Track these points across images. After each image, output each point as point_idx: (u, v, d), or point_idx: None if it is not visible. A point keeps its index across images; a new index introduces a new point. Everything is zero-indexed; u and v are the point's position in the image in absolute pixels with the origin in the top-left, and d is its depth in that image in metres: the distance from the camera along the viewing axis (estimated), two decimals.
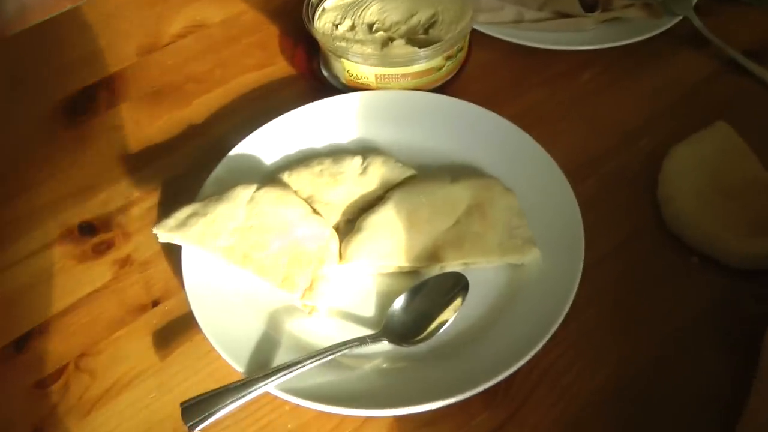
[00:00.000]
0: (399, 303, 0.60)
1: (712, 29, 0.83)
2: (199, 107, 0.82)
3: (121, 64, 0.88)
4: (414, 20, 0.84)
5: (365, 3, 0.86)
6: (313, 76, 0.83)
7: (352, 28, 0.83)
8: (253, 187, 0.68)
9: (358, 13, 0.85)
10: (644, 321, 0.61)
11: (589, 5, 0.90)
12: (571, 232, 0.63)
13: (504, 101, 0.78)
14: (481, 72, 0.84)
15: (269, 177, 0.69)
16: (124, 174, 0.76)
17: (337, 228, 0.66)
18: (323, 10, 0.85)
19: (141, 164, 0.77)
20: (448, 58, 0.81)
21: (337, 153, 0.70)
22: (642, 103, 0.80)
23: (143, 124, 0.81)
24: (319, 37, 0.79)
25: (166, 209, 0.71)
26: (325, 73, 0.83)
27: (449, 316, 0.61)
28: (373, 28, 0.83)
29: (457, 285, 0.61)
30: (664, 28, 0.83)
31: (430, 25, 0.83)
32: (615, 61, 0.84)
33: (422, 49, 0.75)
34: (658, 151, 0.72)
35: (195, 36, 0.92)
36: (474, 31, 0.82)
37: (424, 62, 0.78)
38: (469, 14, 0.81)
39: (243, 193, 0.67)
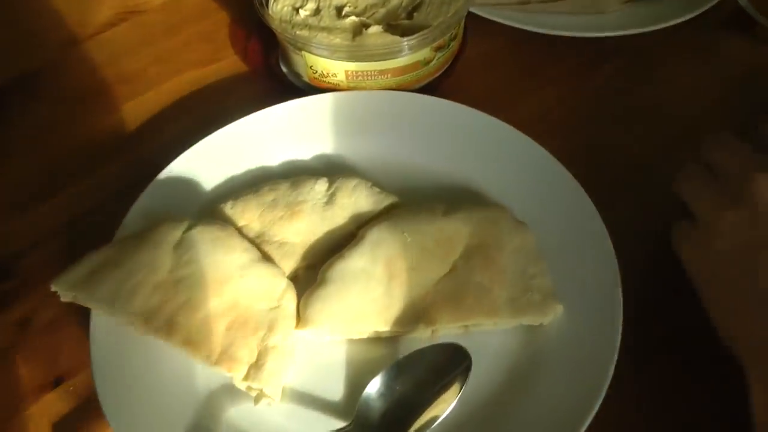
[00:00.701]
0: (375, 386, 0.48)
1: (759, 7, 0.73)
2: (129, 113, 0.72)
3: (37, 61, 0.78)
4: (395, 0, 0.70)
5: None
6: (269, 75, 0.72)
7: (317, 12, 0.71)
8: (184, 225, 0.55)
9: None
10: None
11: None
12: (605, 278, 0.52)
13: (509, 103, 0.69)
14: (481, 65, 0.74)
15: (207, 209, 0.59)
16: (30, 203, 0.66)
17: (294, 278, 0.55)
18: None
19: (53, 190, 0.66)
20: (438, 48, 0.68)
21: (296, 174, 0.60)
22: (683, 103, 0.70)
23: (61, 136, 0.71)
24: (274, 25, 0.67)
25: (76, 253, 0.56)
26: (284, 70, 0.73)
27: (444, 407, 0.47)
28: (343, 12, 0.70)
29: (455, 362, 0.49)
30: (704, 8, 0.75)
31: (416, 6, 0.70)
32: (644, 51, 0.74)
33: (405, 38, 0.63)
34: None
35: (128, 25, 0.82)
36: (471, 15, 0.72)
37: (408, 54, 0.66)
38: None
39: (169, 235, 0.54)
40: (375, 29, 0.68)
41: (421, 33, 0.65)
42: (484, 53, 0.75)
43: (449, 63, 0.73)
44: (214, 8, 0.83)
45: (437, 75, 0.72)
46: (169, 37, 0.80)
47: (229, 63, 0.77)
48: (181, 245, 0.54)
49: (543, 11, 0.77)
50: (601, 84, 0.73)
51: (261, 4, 0.69)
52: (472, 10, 0.76)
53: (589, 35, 0.74)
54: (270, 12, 0.70)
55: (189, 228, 0.55)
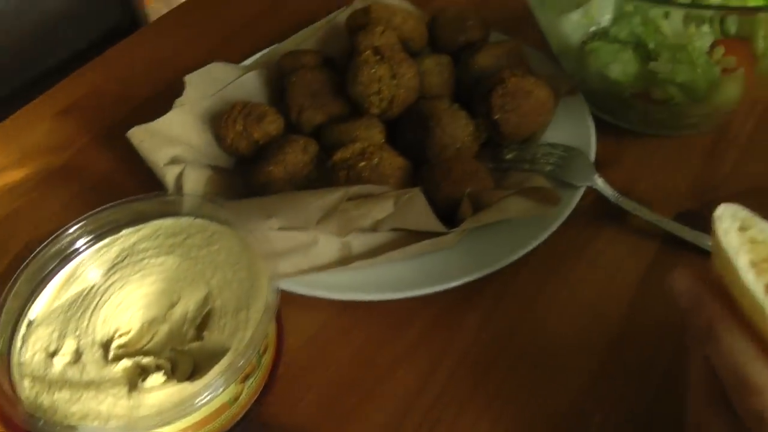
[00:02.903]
0: None
1: (623, 189, 0.75)
2: None
3: None
4: (178, 312, 0.61)
5: (94, 299, 0.62)
6: None
7: (77, 357, 0.59)
8: None
9: (85, 322, 0.61)
10: None
11: (445, 213, 0.71)
12: None
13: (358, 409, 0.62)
14: (308, 366, 0.67)
15: None
16: None
17: None
18: (30, 325, 0.61)
19: None
20: (247, 377, 0.58)
21: None
22: (577, 324, 0.67)
23: None
24: (25, 395, 0.56)
25: None
26: None
27: None
28: (111, 351, 0.59)
29: None
30: (563, 218, 0.73)
31: (205, 317, 0.61)
32: (509, 282, 0.70)
33: (199, 383, 0.54)
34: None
35: None
36: (284, 296, 0.63)
37: (208, 402, 0.54)
38: (266, 275, 0.61)
39: None
40: (156, 379, 0.56)
41: (219, 369, 0.55)
42: (310, 342, 0.69)
43: (265, 381, 0.63)
44: None
45: (251, 405, 0.61)
46: None
47: None
48: None
49: (370, 266, 0.70)
50: (466, 338, 0.68)
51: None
52: (285, 287, 0.67)
53: (439, 288, 0.68)
54: (19, 364, 0.57)
55: None
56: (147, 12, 1.49)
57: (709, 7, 0.77)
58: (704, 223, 0.72)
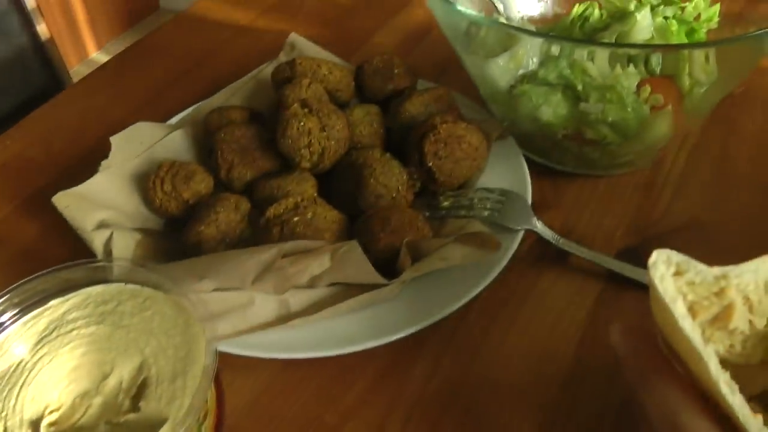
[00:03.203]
0: None
1: (562, 229, 0.77)
2: None
3: None
4: (111, 383, 0.59)
5: (22, 375, 0.60)
6: None
7: None
8: None
9: (12, 401, 0.59)
10: None
11: (384, 264, 0.71)
12: None
13: None
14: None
15: None
16: None
17: None
18: None
19: None
20: None
21: None
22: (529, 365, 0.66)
23: None
24: None
25: None
26: None
27: None
28: (41, 430, 0.57)
29: None
30: (504, 262, 0.73)
31: (140, 386, 0.58)
32: (455, 329, 0.70)
33: None
34: None
35: None
36: (222, 358, 0.62)
37: None
38: (202, 343, 0.59)
39: None
40: None
41: None
42: (254, 403, 0.67)
43: None
44: None
45: None
46: None
47: None
48: None
49: (310, 322, 0.69)
50: (416, 391, 0.67)
51: None
52: (223, 349, 0.66)
53: (382, 342, 0.67)
54: None
55: None
56: (71, 75, 1.48)
57: (633, 46, 0.79)
58: (645, 259, 0.74)
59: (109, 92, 1.05)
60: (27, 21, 1.50)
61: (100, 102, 1.04)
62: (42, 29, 1.51)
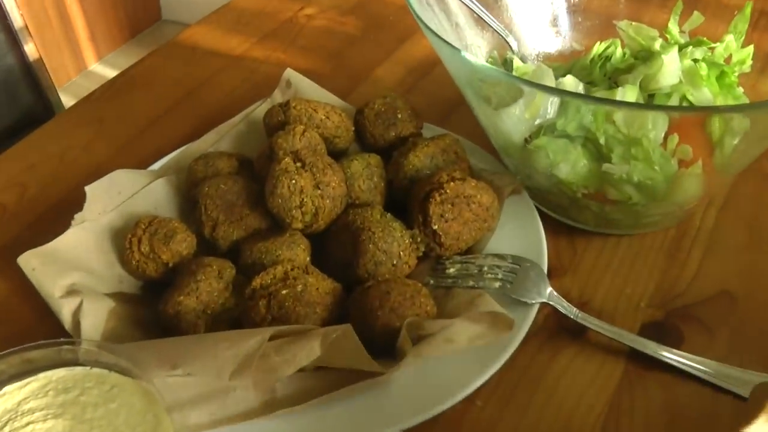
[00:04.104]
0: None
1: (580, 299, 0.72)
2: None
3: None
4: None
5: None
6: None
7: None
8: None
9: None
10: None
11: (382, 344, 0.65)
12: None
13: None
14: None
15: None
16: None
17: None
18: None
19: None
20: None
21: None
22: None
23: None
24: None
25: None
26: None
27: None
28: None
29: None
30: (516, 342, 0.67)
31: None
32: (460, 419, 0.64)
33: None
34: None
35: None
36: None
37: None
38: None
39: None
40: None
41: None
42: None
43: None
44: None
45: None
46: None
47: None
48: None
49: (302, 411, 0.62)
50: None
51: None
52: None
53: None
54: None
55: None
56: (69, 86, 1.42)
57: (665, 108, 0.74)
58: (672, 334, 0.67)
59: (90, 129, 0.99)
60: (14, 41, 1.44)
61: (80, 140, 0.97)
62: (30, 49, 1.45)
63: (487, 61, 0.87)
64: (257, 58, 1.12)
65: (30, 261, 0.71)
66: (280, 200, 0.69)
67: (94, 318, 0.68)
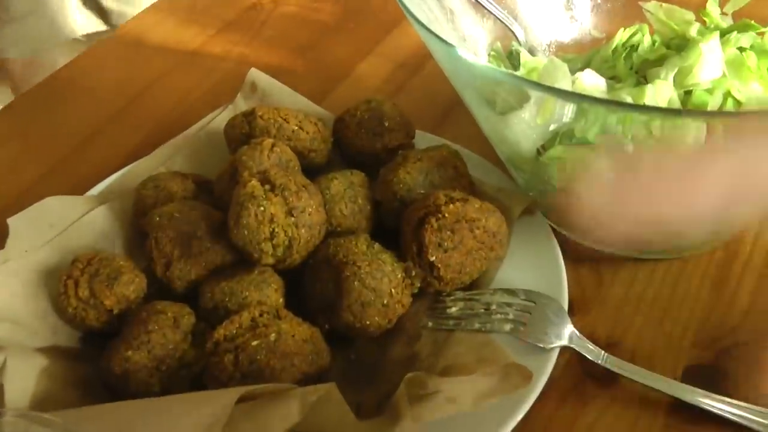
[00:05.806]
0: None
1: (609, 340, 0.72)
2: None
3: None
4: None
5: None
6: None
7: None
8: None
9: None
10: None
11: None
12: None
13: None
14: None
15: None
16: None
17: None
18: None
19: None
20: None
21: None
22: None
23: None
24: None
25: None
26: None
27: None
28: None
29: None
30: (534, 395, 0.67)
31: None
32: None
33: None
34: None
35: None
36: None
37: None
38: None
39: None
40: None
41: None
42: None
43: None
44: None
45: None
46: None
47: None
48: None
49: None
50: None
51: None
52: None
53: None
54: None
55: None
56: None
57: (709, 114, 0.73)
58: (721, 379, 0.68)
59: (12, 148, 0.99)
60: None
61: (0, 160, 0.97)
62: None
63: (489, 55, 0.87)
64: (215, 54, 1.13)
65: None
66: (246, 231, 0.70)
67: (21, 380, 0.67)
